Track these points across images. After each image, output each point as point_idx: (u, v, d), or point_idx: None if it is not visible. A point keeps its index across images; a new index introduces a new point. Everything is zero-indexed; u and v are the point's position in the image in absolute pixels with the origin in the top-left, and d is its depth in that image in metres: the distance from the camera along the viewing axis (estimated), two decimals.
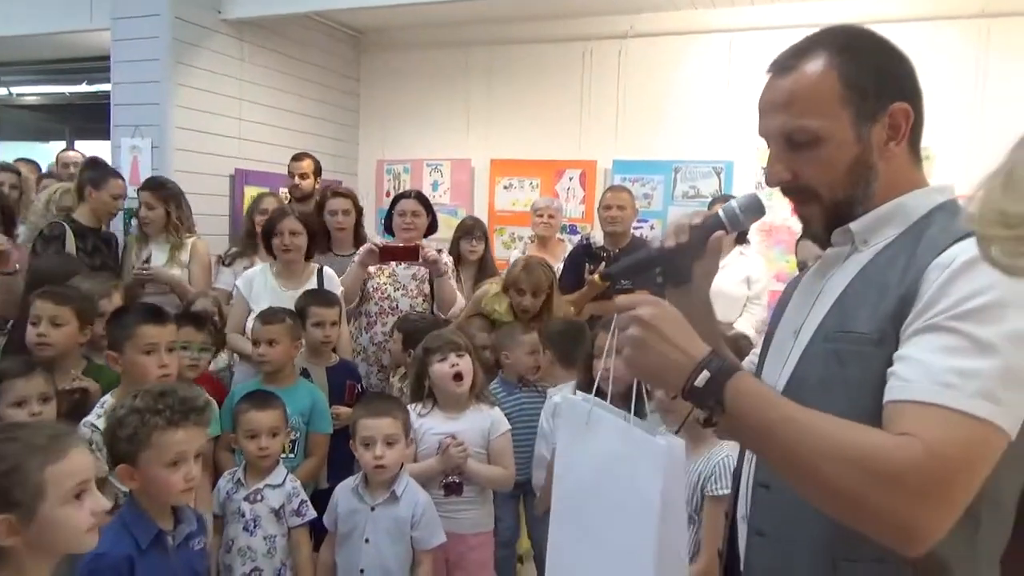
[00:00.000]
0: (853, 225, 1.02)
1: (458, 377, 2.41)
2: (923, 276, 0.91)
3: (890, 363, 0.90)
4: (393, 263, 3.44)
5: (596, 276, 3.53)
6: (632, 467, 0.91)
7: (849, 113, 0.99)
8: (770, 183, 1.06)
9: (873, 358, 0.92)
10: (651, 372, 0.95)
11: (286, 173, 4.59)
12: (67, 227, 3.46)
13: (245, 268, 3.55)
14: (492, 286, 3.40)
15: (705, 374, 0.89)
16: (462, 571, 2.37)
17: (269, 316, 2.74)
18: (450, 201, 5.66)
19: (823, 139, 1.00)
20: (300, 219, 3.23)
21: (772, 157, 1.05)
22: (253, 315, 2.96)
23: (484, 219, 4.71)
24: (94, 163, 3.77)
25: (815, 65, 1.01)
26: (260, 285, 3.18)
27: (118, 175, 3.70)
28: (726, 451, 1.90)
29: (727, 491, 1.79)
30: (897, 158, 1.01)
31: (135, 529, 1.65)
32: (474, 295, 3.52)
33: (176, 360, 2.22)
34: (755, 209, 1.13)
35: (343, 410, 2.81)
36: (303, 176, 4.50)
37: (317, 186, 4.48)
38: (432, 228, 3.62)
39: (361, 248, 3.33)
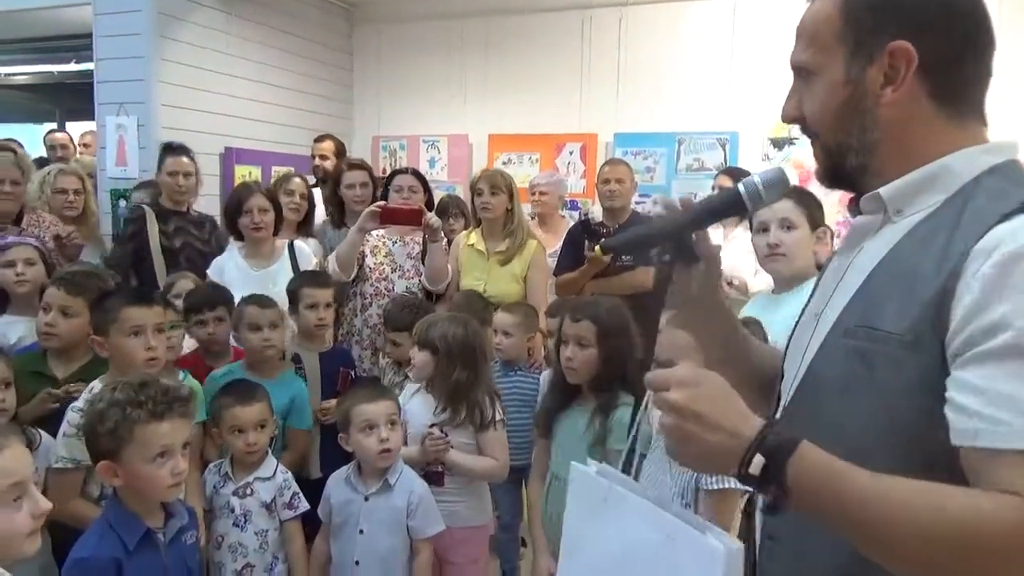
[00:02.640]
0: (883, 191, 0.89)
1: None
2: (963, 267, 0.77)
3: (928, 371, 0.78)
4: (390, 243, 3.34)
5: (597, 250, 3.41)
6: (671, 565, 0.80)
7: (844, 49, 0.89)
8: (783, 118, 0.99)
9: (906, 363, 0.80)
10: (699, 463, 0.87)
11: (277, 151, 4.47)
12: (147, 209, 3.42)
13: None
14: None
15: (759, 459, 0.77)
16: (450, 565, 2.27)
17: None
18: (448, 178, 5.53)
19: (814, 74, 0.93)
20: (266, 195, 3.15)
21: (789, 91, 0.99)
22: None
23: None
24: (166, 146, 3.69)
25: None
26: (231, 269, 3.09)
27: (176, 151, 3.56)
28: None
29: (724, 486, 1.70)
30: (913, 109, 0.87)
31: (121, 530, 1.57)
32: (452, 245, 3.48)
33: (164, 343, 2.12)
34: (779, 185, 1.00)
35: (333, 404, 2.70)
36: (323, 157, 4.48)
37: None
38: (430, 207, 3.50)
39: (363, 212, 3.20)
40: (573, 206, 5.08)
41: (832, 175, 0.96)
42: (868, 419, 0.80)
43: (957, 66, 0.87)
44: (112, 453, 1.57)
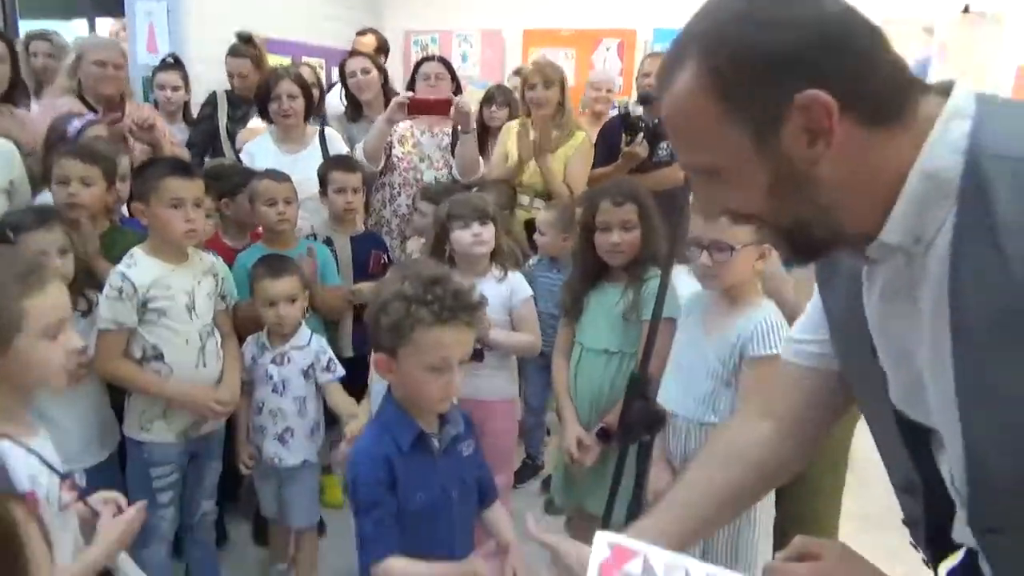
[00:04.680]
0: (886, 237, 0.77)
1: (479, 246, 2.30)
2: None
3: None
4: (418, 134, 3.30)
5: (635, 148, 3.36)
6: None
7: (738, 130, 0.74)
8: (707, 219, 0.86)
9: None
10: None
11: (308, 42, 4.39)
12: (219, 93, 3.49)
13: None
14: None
15: None
16: (485, 437, 2.34)
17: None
18: (480, 75, 5.41)
19: (721, 171, 0.78)
20: (296, 81, 3.09)
21: (694, 190, 0.85)
22: None
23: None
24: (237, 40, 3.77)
25: (684, 81, 0.75)
26: (263, 154, 3.08)
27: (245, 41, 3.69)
28: (768, 310, 1.78)
29: (769, 351, 1.71)
30: (852, 148, 0.73)
31: (396, 430, 1.48)
32: (500, 133, 3.49)
33: (203, 217, 2.14)
34: None
35: (364, 286, 2.75)
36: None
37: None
38: (456, 94, 3.42)
39: (391, 102, 3.15)
40: (613, 105, 4.95)
41: (803, 254, 0.84)
42: None
43: (864, 74, 0.73)
44: (390, 348, 1.45)
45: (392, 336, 1.42)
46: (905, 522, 0.99)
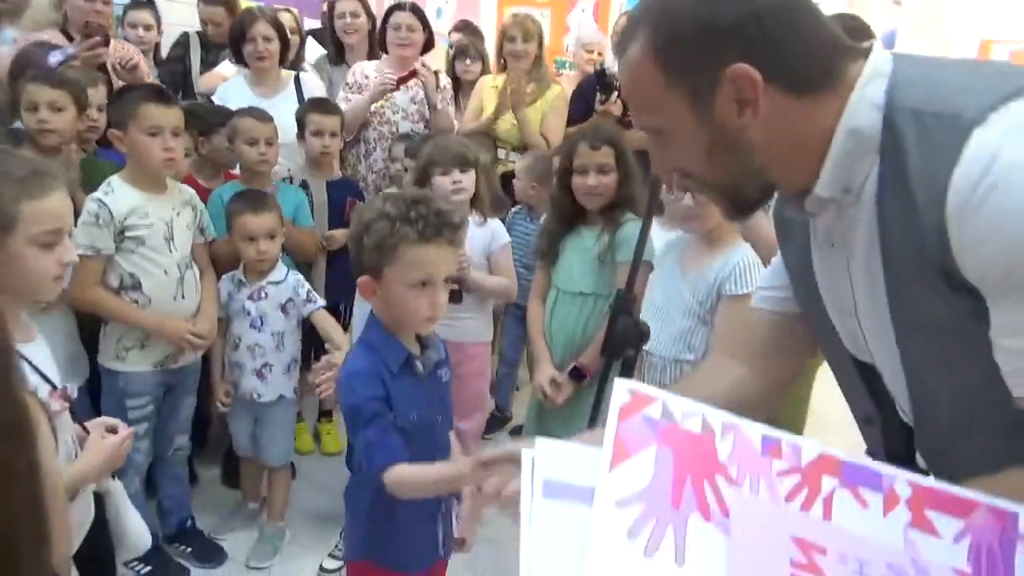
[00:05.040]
0: (819, 191, 0.83)
1: (458, 193, 2.31)
2: (947, 233, 0.73)
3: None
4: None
5: (609, 106, 3.40)
6: None
7: (679, 96, 0.81)
8: (661, 180, 0.94)
9: (976, 330, 0.76)
10: None
11: None
12: (191, 35, 3.38)
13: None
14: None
15: None
16: (459, 379, 2.37)
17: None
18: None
19: (666, 133, 0.85)
20: (272, 23, 3.03)
21: (649, 149, 0.92)
22: None
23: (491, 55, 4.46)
24: None
25: (635, 49, 0.83)
26: (237, 97, 3.02)
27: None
28: (745, 251, 1.84)
29: (746, 290, 1.77)
30: (779, 114, 0.79)
31: (384, 352, 1.48)
32: (475, 86, 3.50)
33: (182, 146, 2.11)
34: None
35: (339, 233, 2.75)
36: None
37: None
38: (429, 45, 3.42)
39: (376, 82, 3.14)
40: None
41: (739, 210, 0.91)
42: (984, 380, 0.77)
43: (792, 48, 0.79)
44: (374, 269, 1.45)
45: (376, 255, 1.44)
46: (868, 452, 1.07)
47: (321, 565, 2.37)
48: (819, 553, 0.60)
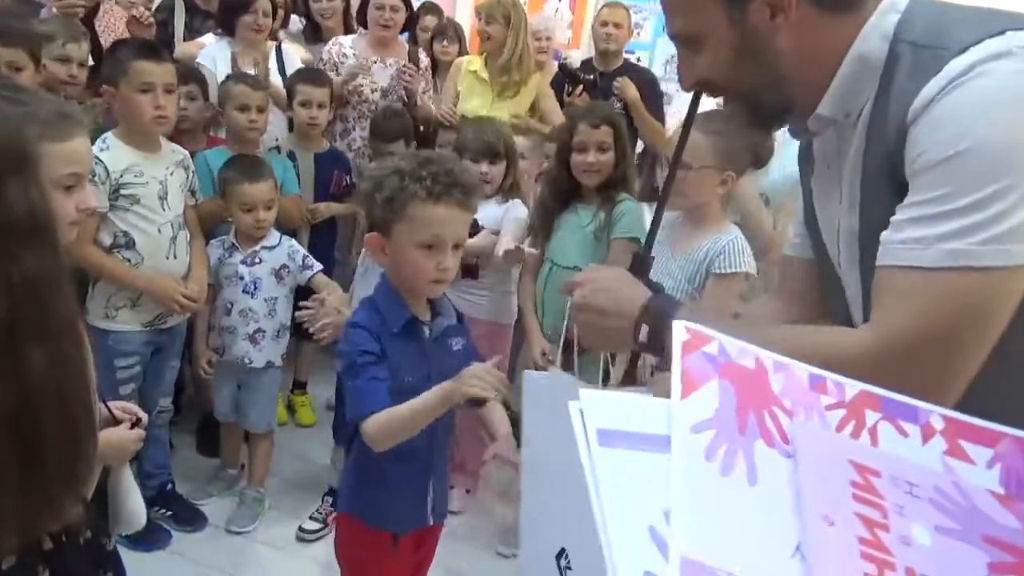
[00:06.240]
0: (822, 110, 0.90)
1: (484, 185, 2.30)
2: (905, 137, 0.80)
3: None
4: (370, 63, 3.30)
5: (574, 99, 3.45)
6: None
7: (714, 2, 0.86)
8: (683, 88, 0.97)
9: None
10: (605, 345, 1.03)
11: None
12: (177, 0, 3.27)
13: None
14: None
15: (644, 328, 0.91)
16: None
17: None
18: None
19: (698, 37, 0.89)
20: None
21: (678, 60, 0.96)
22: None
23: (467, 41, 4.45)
24: None
25: None
26: (223, 63, 2.99)
27: None
28: (734, 233, 1.92)
29: (735, 268, 1.85)
30: (805, 26, 0.85)
31: (386, 311, 1.47)
32: (451, 69, 3.45)
33: (175, 104, 2.09)
34: None
35: (323, 206, 2.76)
36: None
37: None
38: (410, 23, 3.45)
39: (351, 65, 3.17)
40: (558, 57, 5.01)
41: (757, 120, 0.97)
42: None
43: None
44: (384, 225, 1.44)
45: (386, 211, 1.43)
46: None
47: (300, 526, 2.39)
48: (873, 475, 0.66)
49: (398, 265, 1.47)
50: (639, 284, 0.98)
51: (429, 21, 3.84)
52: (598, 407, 0.72)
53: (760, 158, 2.07)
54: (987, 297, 0.78)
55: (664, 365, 0.91)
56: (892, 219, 0.82)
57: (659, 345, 0.90)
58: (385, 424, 1.39)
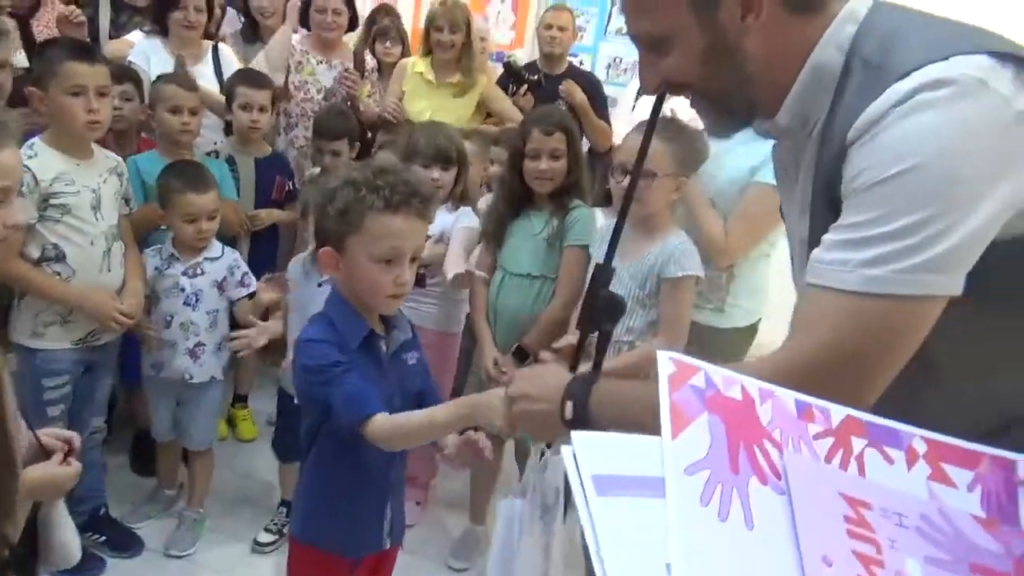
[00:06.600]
0: (780, 118, 0.90)
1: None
2: (844, 159, 0.80)
3: None
4: (315, 62, 3.24)
5: (518, 99, 3.44)
6: None
7: (684, 1, 0.84)
8: (646, 91, 0.96)
9: None
10: (540, 431, 1.03)
11: None
12: None
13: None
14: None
15: (569, 406, 0.94)
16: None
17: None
18: None
19: (665, 38, 0.87)
20: None
21: (640, 62, 0.94)
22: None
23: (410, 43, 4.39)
24: None
25: None
26: (156, 62, 2.88)
27: None
28: (682, 237, 1.94)
29: (686, 272, 1.86)
30: (773, 27, 0.84)
31: (343, 327, 1.40)
32: (395, 70, 3.40)
33: (109, 107, 1.97)
34: None
35: (265, 213, 2.68)
36: None
37: None
38: (353, 24, 3.40)
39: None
40: (499, 57, 4.99)
41: (723, 123, 0.96)
42: None
43: None
44: (337, 239, 1.36)
45: (340, 224, 1.36)
46: None
47: (255, 539, 2.32)
48: (864, 508, 0.66)
49: (353, 280, 1.41)
50: (565, 371, 1.02)
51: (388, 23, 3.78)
52: (591, 450, 0.69)
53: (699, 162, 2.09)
54: (901, 323, 0.79)
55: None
56: (823, 237, 0.83)
57: (584, 419, 0.92)
58: (399, 427, 1.35)
